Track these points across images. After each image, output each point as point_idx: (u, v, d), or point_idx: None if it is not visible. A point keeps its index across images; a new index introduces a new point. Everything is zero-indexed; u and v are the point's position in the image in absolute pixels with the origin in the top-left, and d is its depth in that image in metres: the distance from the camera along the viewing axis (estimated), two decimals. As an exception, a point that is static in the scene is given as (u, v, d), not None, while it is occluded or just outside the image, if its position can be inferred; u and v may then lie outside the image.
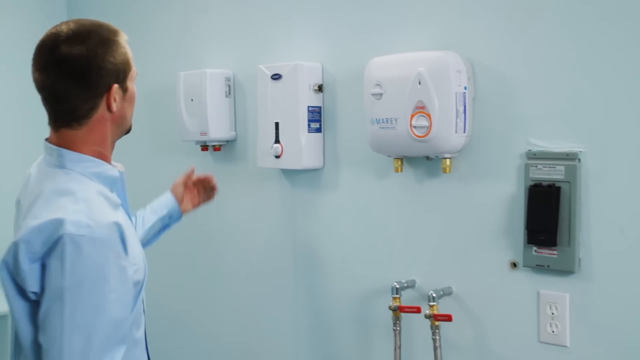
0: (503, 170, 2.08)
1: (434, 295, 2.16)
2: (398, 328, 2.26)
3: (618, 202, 1.90)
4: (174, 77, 2.83)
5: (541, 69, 2.00)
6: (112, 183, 1.73)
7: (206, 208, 2.83)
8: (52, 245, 1.55)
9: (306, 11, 2.52)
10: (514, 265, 2.08)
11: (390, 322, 2.27)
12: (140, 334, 1.80)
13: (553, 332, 2.02)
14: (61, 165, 1.68)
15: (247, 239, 2.76)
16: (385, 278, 2.33)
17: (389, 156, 2.26)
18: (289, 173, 2.61)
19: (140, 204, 2.29)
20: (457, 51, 2.12)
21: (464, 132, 2.09)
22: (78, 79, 1.64)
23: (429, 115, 2.08)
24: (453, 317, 2.13)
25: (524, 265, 2.05)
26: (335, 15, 2.45)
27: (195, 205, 2.41)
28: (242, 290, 2.80)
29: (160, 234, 2.35)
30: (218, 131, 2.69)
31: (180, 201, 2.36)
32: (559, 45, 1.97)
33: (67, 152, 1.68)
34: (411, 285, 2.28)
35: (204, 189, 2.43)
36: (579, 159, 1.94)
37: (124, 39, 1.73)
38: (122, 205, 1.75)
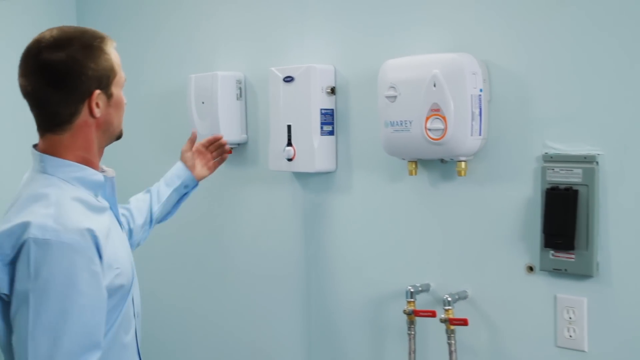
0: (519, 173, 2.06)
1: (450, 299, 2.14)
2: (413, 332, 2.24)
3: (637, 205, 1.88)
4: (185, 79, 2.81)
5: (558, 71, 1.98)
6: (96, 188, 1.77)
7: (218, 212, 2.84)
8: (19, 249, 1.60)
9: (318, 13, 2.50)
10: (531, 269, 2.06)
11: (404, 326, 2.25)
12: (129, 338, 1.82)
13: (570, 336, 2.00)
14: (43, 171, 1.72)
15: (258, 243, 2.74)
16: (399, 282, 2.31)
17: (403, 159, 2.24)
18: (301, 176, 2.59)
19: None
20: (472, 53, 2.10)
21: (480, 134, 2.08)
22: (58, 84, 1.68)
23: (444, 118, 2.06)
24: (469, 321, 2.11)
25: (541, 269, 2.03)
26: (348, 17, 2.43)
27: (211, 169, 2.46)
28: (254, 294, 2.78)
29: (180, 203, 2.40)
30: (229, 134, 2.67)
31: (191, 168, 2.40)
32: (576, 46, 1.95)
33: (48, 158, 1.72)
34: (426, 289, 2.26)
35: (216, 151, 2.47)
36: (597, 162, 1.92)
37: (110, 45, 1.77)
38: (111, 209, 1.81)
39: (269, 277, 2.72)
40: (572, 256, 1.96)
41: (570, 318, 2.00)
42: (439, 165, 2.22)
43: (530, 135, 2.03)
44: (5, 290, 1.63)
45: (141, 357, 1.90)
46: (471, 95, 2.04)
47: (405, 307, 2.22)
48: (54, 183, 1.70)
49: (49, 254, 1.59)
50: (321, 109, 2.43)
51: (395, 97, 2.16)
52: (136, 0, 3.17)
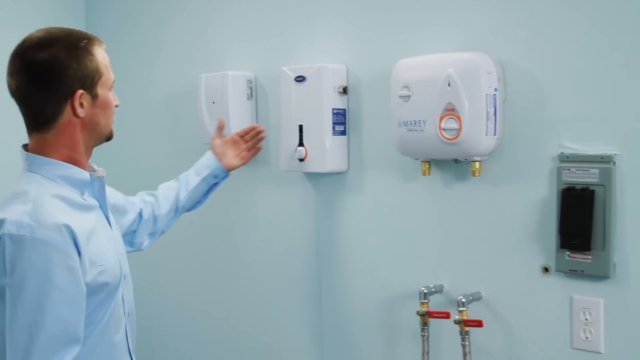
0: (534, 174, 2.04)
1: (464, 300, 2.12)
2: (426, 334, 2.22)
3: (655, 205, 1.87)
4: (195, 79, 2.80)
5: (573, 69, 1.97)
6: (81, 186, 1.80)
7: (229, 212, 2.83)
8: None
9: (330, 12, 2.49)
10: (546, 270, 2.04)
11: (417, 327, 2.23)
12: (119, 337, 1.84)
13: (587, 338, 1.98)
14: (29, 169, 1.77)
15: (270, 243, 2.73)
16: (412, 283, 2.30)
17: (416, 159, 2.23)
18: (312, 176, 2.57)
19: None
20: (487, 52, 2.08)
21: (495, 134, 2.06)
22: (40, 83, 1.72)
23: (458, 118, 2.04)
24: (483, 323, 2.09)
25: (557, 270, 2.01)
26: (360, 16, 2.41)
27: (244, 160, 2.45)
28: (265, 294, 2.77)
29: (210, 193, 2.41)
30: (240, 134, 2.65)
31: (220, 156, 2.40)
32: (592, 44, 1.94)
33: (32, 156, 1.77)
34: (439, 290, 2.25)
35: (251, 141, 2.46)
36: (614, 162, 1.90)
37: (97, 46, 1.80)
38: (100, 208, 1.84)
39: (280, 277, 2.71)
40: (589, 257, 1.94)
41: (586, 319, 1.98)
42: (453, 165, 2.20)
43: (546, 135, 2.02)
44: None
45: (132, 356, 1.92)
46: (486, 94, 2.03)
47: (418, 308, 2.20)
48: (36, 180, 1.74)
49: (23, 249, 1.63)
50: (333, 109, 2.42)
51: (408, 96, 2.14)
52: (145, 0, 3.16)
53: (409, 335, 2.33)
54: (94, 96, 1.78)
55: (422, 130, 2.12)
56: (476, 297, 2.16)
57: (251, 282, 2.81)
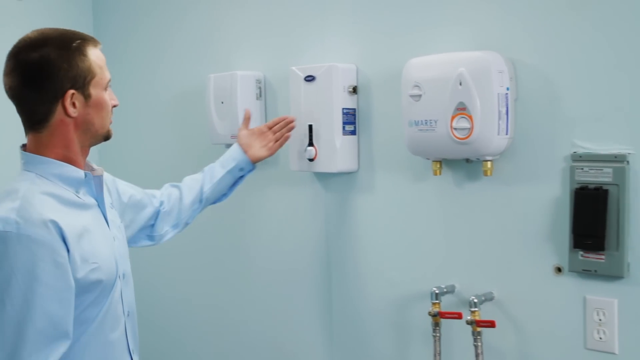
0: (547, 173, 2.03)
1: (476, 300, 2.11)
2: (438, 334, 2.21)
3: (669, 205, 1.85)
4: (204, 79, 2.79)
5: (586, 68, 1.95)
6: (76, 184, 1.82)
7: (239, 212, 2.82)
8: None
9: (339, 11, 2.48)
10: (559, 270, 2.03)
11: (429, 328, 2.22)
12: (115, 335, 1.86)
13: (600, 338, 1.97)
14: (24, 168, 1.81)
15: (280, 244, 2.72)
16: (424, 283, 2.29)
17: (427, 159, 2.21)
18: (322, 176, 2.56)
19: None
20: (498, 51, 2.07)
21: (506, 133, 2.05)
22: (31, 83, 1.75)
23: (470, 117, 2.03)
24: (496, 323, 2.08)
25: (570, 270, 2.00)
26: (370, 14, 2.40)
27: (272, 151, 2.44)
28: (275, 295, 2.76)
29: (236, 186, 2.42)
30: (249, 134, 2.64)
31: (246, 147, 2.40)
32: (605, 42, 1.92)
33: (27, 155, 1.81)
34: (450, 290, 2.23)
35: (280, 131, 2.44)
36: (628, 161, 1.89)
37: (91, 46, 1.82)
38: (99, 206, 1.86)
39: (290, 278, 2.70)
40: (602, 257, 1.93)
41: (600, 320, 1.96)
42: (464, 165, 2.19)
43: (558, 134, 2.00)
44: None
45: (133, 356, 1.94)
46: (498, 93, 2.01)
47: (430, 309, 2.19)
48: (28, 178, 1.77)
49: (10, 246, 1.66)
50: (343, 109, 2.41)
51: (419, 96, 2.13)
52: None
53: (421, 336, 2.32)
54: (87, 96, 1.79)
55: (434, 129, 2.11)
56: (488, 298, 2.15)
57: (261, 282, 2.80)
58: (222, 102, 2.71)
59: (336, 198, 2.53)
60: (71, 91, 1.76)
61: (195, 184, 2.34)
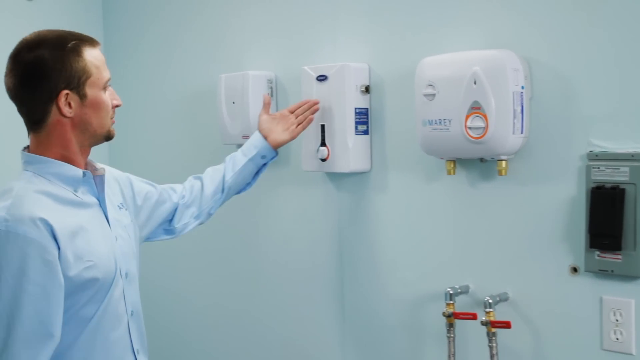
0: (562, 172, 2.01)
1: (490, 301, 2.09)
2: (452, 335, 2.19)
3: (687, 204, 1.83)
4: (215, 79, 2.78)
5: (602, 66, 1.93)
6: (74, 183, 1.83)
7: (251, 213, 2.81)
8: None
9: (351, 9, 2.46)
10: (575, 270, 2.01)
11: (443, 328, 2.21)
12: (117, 334, 1.87)
13: (617, 339, 1.95)
14: (23, 167, 1.84)
15: (292, 244, 2.71)
16: (437, 283, 2.27)
17: (441, 158, 2.20)
18: (334, 176, 2.55)
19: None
20: (512, 50, 2.05)
21: (521, 132, 2.03)
22: (26, 84, 1.78)
23: (485, 116, 2.02)
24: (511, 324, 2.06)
25: (586, 270, 1.98)
26: (382, 13, 2.39)
27: (294, 135, 2.40)
28: (287, 295, 2.75)
29: (259, 174, 2.40)
30: (261, 134, 2.63)
31: (267, 132, 2.37)
32: (621, 40, 1.91)
33: (26, 155, 1.84)
34: (465, 291, 2.22)
35: (302, 114, 2.41)
36: (645, 160, 1.87)
37: (87, 47, 1.83)
38: (100, 205, 1.88)
39: (302, 278, 2.69)
40: (619, 257, 1.91)
41: (617, 320, 1.95)
42: (478, 164, 2.17)
43: (574, 133, 1.99)
44: None
45: (137, 356, 1.94)
46: (513, 92, 2.00)
47: (444, 309, 2.18)
48: (25, 177, 1.80)
49: None
50: (355, 108, 2.39)
51: (433, 95, 2.12)
52: None
53: (434, 337, 2.30)
54: (82, 96, 1.81)
55: (448, 129, 2.09)
56: (503, 298, 2.13)
57: (274, 282, 2.79)
58: (234, 102, 2.70)
59: (349, 198, 2.52)
60: (65, 91, 1.78)
61: (217, 173, 2.34)
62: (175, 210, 2.26)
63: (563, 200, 2.02)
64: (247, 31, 2.79)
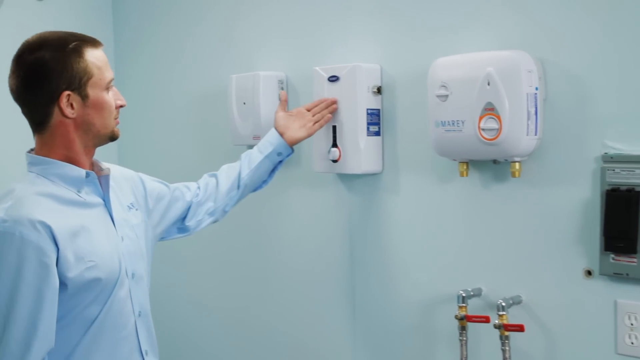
0: (577, 174, 1.99)
1: (504, 304, 2.07)
2: (464, 338, 2.18)
3: None
4: (225, 80, 2.77)
5: (617, 67, 1.92)
6: (78, 184, 1.84)
7: (261, 214, 2.80)
8: None
9: (363, 10, 2.45)
10: (589, 273, 1.99)
11: (455, 331, 2.19)
12: (123, 335, 1.87)
13: (632, 343, 1.93)
14: (27, 168, 1.85)
15: (303, 245, 2.70)
16: (450, 286, 2.26)
17: (454, 160, 2.18)
18: (345, 178, 2.53)
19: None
20: (526, 50, 2.03)
21: (535, 134, 2.01)
22: (28, 85, 1.79)
23: (498, 117, 2.00)
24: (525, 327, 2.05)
25: (600, 274, 1.96)
26: (394, 14, 2.37)
27: (310, 132, 2.38)
28: (298, 297, 2.73)
29: (275, 171, 2.40)
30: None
31: (283, 129, 2.36)
32: (635, 41, 1.88)
33: (29, 156, 1.86)
34: (477, 293, 2.20)
35: (319, 113, 2.39)
36: (661, 162, 1.85)
37: (89, 48, 1.83)
38: (105, 205, 1.88)
39: (313, 280, 2.67)
40: (634, 260, 1.89)
41: (631, 324, 1.93)
42: (491, 166, 2.16)
43: (589, 135, 1.97)
44: None
45: (145, 356, 1.94)
46: (527, 93, 1.98)
47: (456, 312, 2.16)
48: (27, 179, 1.81)
49: None
50: (367, 109, 2.38)
51: (446, 96, 2.10)
52: None
53: (447, 340, 2.29)
54: (84, 97, 1.81)
55: (461, 130, 2.08)
56: (516, 301, 2.12)
57: (284, 284, 2.78)
58: (244, 103, 2.69)
59: (360, 200, 2.51)
60: (67, 92, 1.79)
61: (232, 170, 2.33)
62: (189, 209, 2.25)
63: (577, 203, 2.00)
64: (258, 31, 2.78)
